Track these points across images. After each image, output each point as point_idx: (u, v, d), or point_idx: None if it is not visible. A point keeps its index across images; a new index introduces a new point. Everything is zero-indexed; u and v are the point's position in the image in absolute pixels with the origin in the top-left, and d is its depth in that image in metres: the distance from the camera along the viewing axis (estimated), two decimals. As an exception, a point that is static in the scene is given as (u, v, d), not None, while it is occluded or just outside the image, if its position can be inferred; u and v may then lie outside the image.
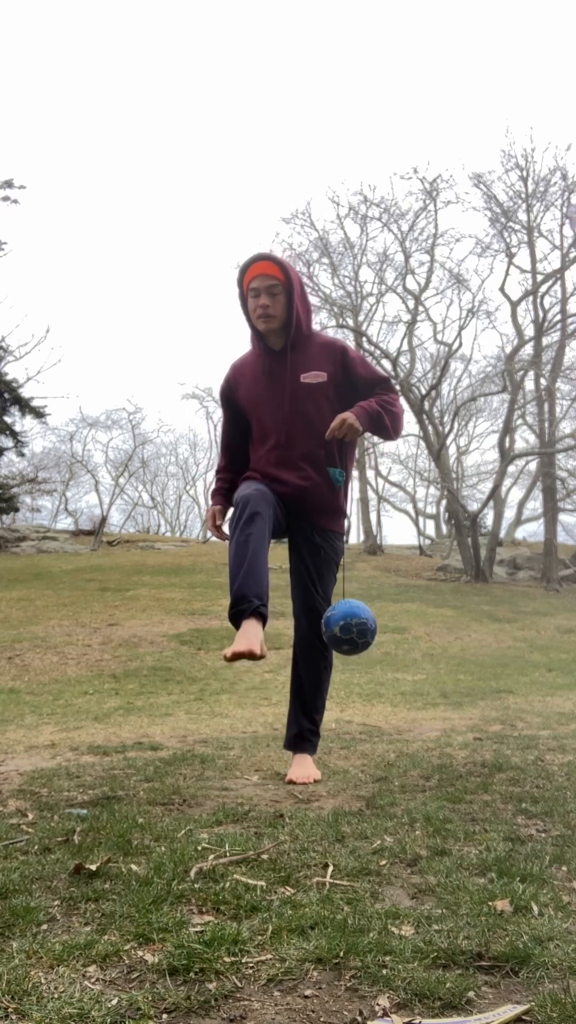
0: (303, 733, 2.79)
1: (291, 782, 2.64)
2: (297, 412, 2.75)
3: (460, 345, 21.04)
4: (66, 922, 1.39)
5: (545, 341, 18.89)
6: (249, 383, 2.86)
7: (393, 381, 3.15)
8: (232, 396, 2.92)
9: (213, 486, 3.03)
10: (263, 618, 2.46)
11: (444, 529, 29.88)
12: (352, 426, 2.62)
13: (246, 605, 2.43)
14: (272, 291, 2.71)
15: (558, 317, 18.73)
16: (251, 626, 2.41)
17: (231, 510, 2.73)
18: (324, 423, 2.71)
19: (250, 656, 2.33)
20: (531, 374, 19.47)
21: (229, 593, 2.53)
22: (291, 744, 2.83)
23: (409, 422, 31.40)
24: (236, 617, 2.46)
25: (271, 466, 2.78)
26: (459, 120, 55.26)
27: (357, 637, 2.45)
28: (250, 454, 2.91)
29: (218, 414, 25.37)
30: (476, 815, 2.14)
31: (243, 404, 2.87)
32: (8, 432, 16.10)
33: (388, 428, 2.75)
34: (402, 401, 3.07)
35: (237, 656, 2.33)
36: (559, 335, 18.90)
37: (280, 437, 2.77)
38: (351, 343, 21.15)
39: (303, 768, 2.72)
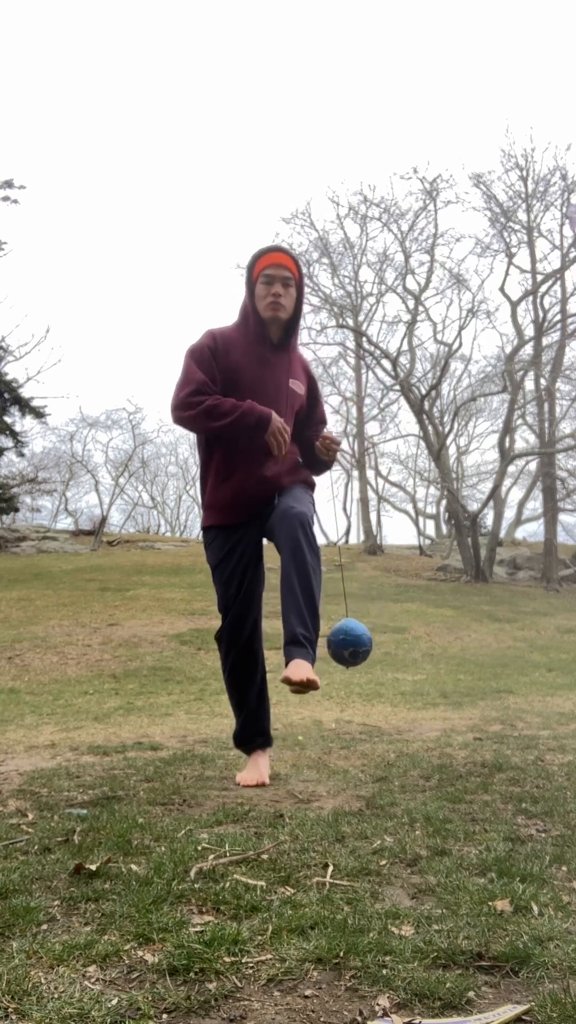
0: (296, 638, 2.47)
1: (287, 680, 2.37)
2: (285, 411, 2.75)
3: (460, 345, 21.09)
4: (66, 922, 1.39)
5: (545, 341, 18.89)
6: (241, 359, 2.73)
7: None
8: (220, 359, 2.73)
9: (210, 402, 2.66)
10: (268, 745, 2.83)
11: (444, 529, 29.88)
12: (338, 442, 2.82)
13: (249, 746, 2.80)
14: (287, 283, 2.73)
15: (558, 317, 18.73)
16: (260, 758, 2.77)
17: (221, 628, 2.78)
18: (294, 431, 2.83)
19: (259, 786, 2.65)
20: (531, 374, 19.47)
21: (234, 717, 2.85)
22: (286, 651, 2.48)
23: (409, 422, 31.41)
24: (243, 747, 2.83)
25: (247, 470, 2.70)
26: (459, 120, 55.29)
27: (350, 659, 2.75)
28: (218, 448, 2.75)
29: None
30: (476, 815, 2.14)
31: (229, 375, 2.71)
32: (8, 432, 16.10)
33: (328, 469, 2.96)
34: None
35: (248, 786, 2.65)
36: (559, 335, 18.90)
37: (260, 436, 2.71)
38: (351, 343, 21.19)
39: (300, 669, 2.39)
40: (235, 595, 2.73)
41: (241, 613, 2.73)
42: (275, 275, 2.71)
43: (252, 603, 2.77)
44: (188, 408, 2.67)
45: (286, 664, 2.45)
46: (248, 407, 2.64)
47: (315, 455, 2.86)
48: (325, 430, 2.86)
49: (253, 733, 2.78)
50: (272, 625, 2.75)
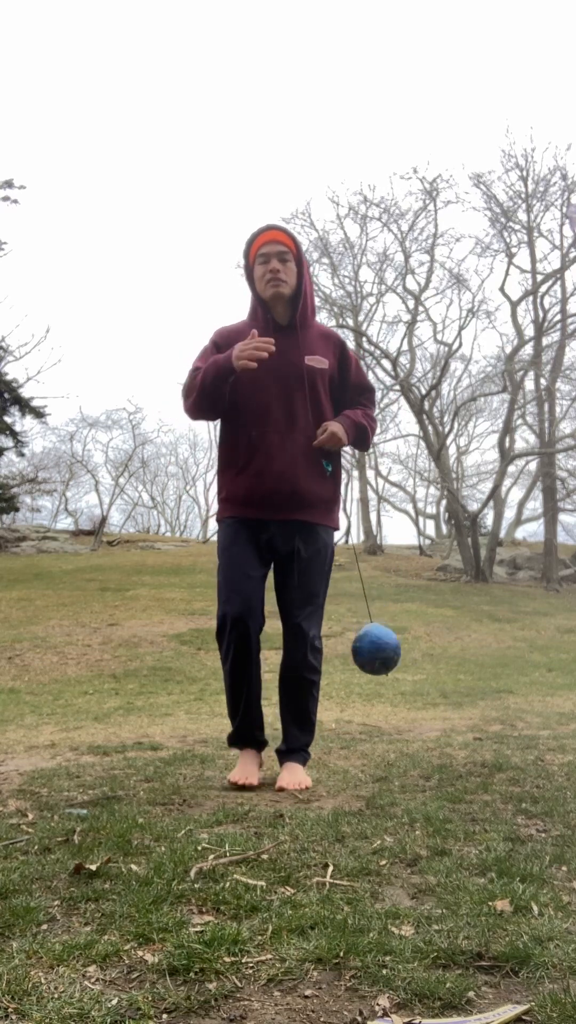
0: (292, 747, 2.73)
1: (281, 789, 2.55)
2: (302, 392, 2.63)
3: (460, 345, 21.06)
4: (66, 922, 1.39)
5: (545, 341, 18.89)
6: None
7: (377, 393, 3.21)
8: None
9: (189, 379, 2.66)
10: (261, 746, 2.77)
11: (444, 529, 29.87)
12: (338, 438, 2.64)
13: (242, 745, 2.74)
14: (283, 257, 2.63)
15: (558, 317, 18.74)
16: (252, 757, 2.71)
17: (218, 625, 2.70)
18: (322, 410, 2.68)
19: (248, 788, 2.57)
20: (531, 374, 19.47)
21: (228, 715, 2.78)
22: (281, 756, 2.75)
23: (409, 422, 31.40)
24: (236, 745, 2.77)
25: (266, 461, 2.61)
26: (459, 120, 55.28)
27: (380, 668, 2.78)
28: (230, 437, 2.71)
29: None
30: (476, 815, 2.14)
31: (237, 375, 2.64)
32: (8, 432, 16.09)
33: (367, 442, 2.80)
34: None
35: (237, 786, 2.58)
36: (559, 335, 18.91)
37: (281, 417, 2.62)
38: (351, 343, 21.19)
39: (293, 775, 2.62)
40: (241, 582, 2.62)
41: (246, 603, 2.61)
42: (271, 252, 2.63)
43: (257, 594, 2.65)
44: (183, 397, 2.71)
45: (280, 763, 2.73)
46: (209, 363, 2.61)
47: (358, 439, 2.74)
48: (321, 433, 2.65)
49: (247, 734, 2.72)
50: (272, 625, 2.75)
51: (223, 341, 2.69)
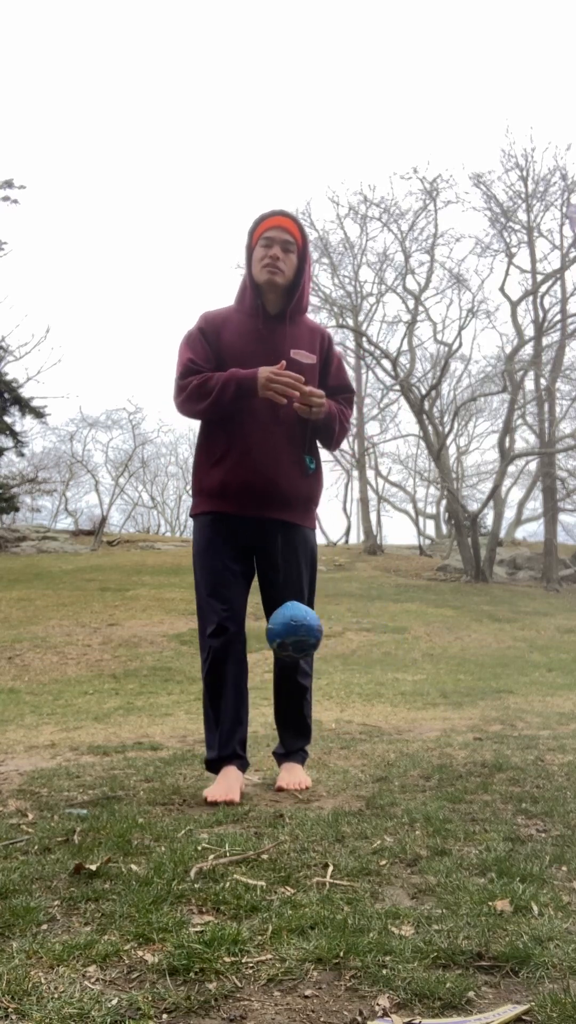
0: (289, 750, 2.68)
1: (280, 789, 2.52)
2: None
3: (460, 345, 21.04)
4: (66, 922, 1.39)
5: (545, 341, 18.89)
6: (235, 338, 2.58)
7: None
8: (212, 339, 2.59)
9: (196, 381, 2.51)
10: (244, 766, 2.56)
11: (444, 529, 29.87)
12: (322, 403, 2.50)
13: (222, 763, 2.50)
14: (287, 247, 2.56)
15: (558, 317, 18.73)
16: (231, 772, 2.48)
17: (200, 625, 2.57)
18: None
19: (228, 803, 2.34)
20: (531, 374, 19.47)
21: (205, 733, 2.59)
22: (279, 757, 2.71)
23: (409, 422, 31.39)
24: (214, 766, 2.53)
25: (246, 452, 2.50)
26: (459, 120, 55.30)
27: (294, 652, 2.43)
28: (210, 429, 2.59)
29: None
30: (476, 815, 2.14)
31: (222, 354, 2.56)
32: (8, 432, 16.09)
33: (334, 438, 2.65)
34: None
35: (215, 803, 2.34)
36: (559, 335, 18.90)
37: (263, 410, 2.50)
38: (351, 343, 21.18)
39: (292, 775, 2.59)
40: (223, 587, 2.52)
41: (229, 607, 2.52)
42: (275, 237, 2.55)
43: (241, 599, 2.57)
44: (179, 394, 2.55)
45: (279, 764, 2.68)
46: (228, 376, 2.47)
47: (317, 428, 2.60)
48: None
49: (228, 753, 2.49)
50: (252, 626, 2.73)
51: (209, 327, 2.59)
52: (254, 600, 2.68)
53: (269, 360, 2.50)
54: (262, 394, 2.44)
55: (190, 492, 2.70)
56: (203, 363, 2.55)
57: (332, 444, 2.69)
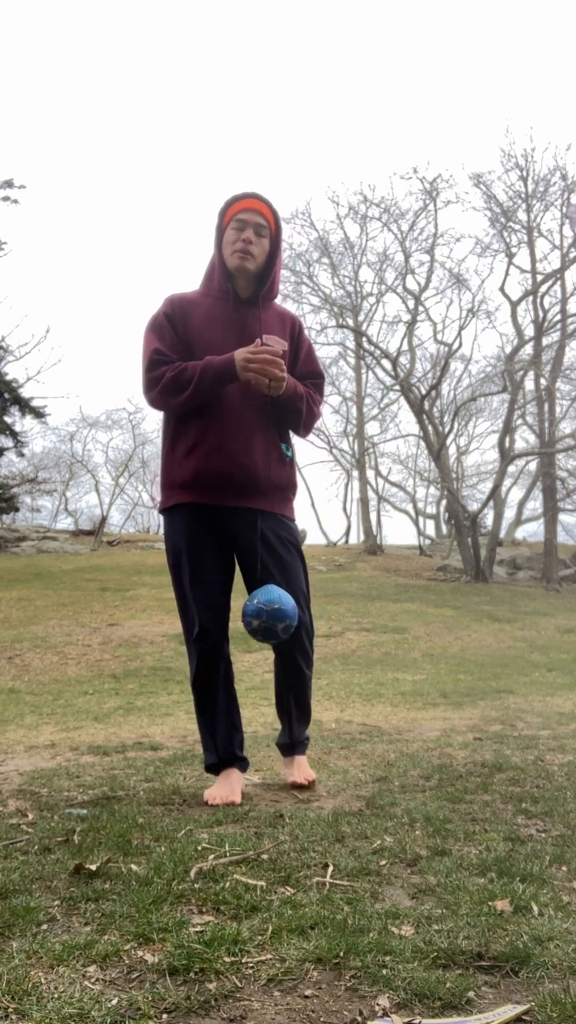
0: (293, 740, 2.65)
1: (295, 784, 2.52)
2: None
3: (460, 345, 21.08)
4: (66, 922, 1.39)
5: (545, 341, 18.89)
6: (204, 324, 2.49)
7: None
8: (179, 325, 2.49)
9: (169, 375, 2.41)
10: (244, 766, 2.54)
11: (444, 529, 29.86)
12: (281, 381, 2.38)
13: (223, 766, 2.47)
14: (259, 231, 2.48)
15: (558, 317, 18.74)
16: (232, 774, 2.46)
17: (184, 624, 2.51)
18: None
19: (230, 804, 2.32)
20: (531, 374, 19.48)
21: (201, 738, 2.56)
22: (286, 750, 2.67)
23: (409, 422, 31.39)
24: (215, 770, 2.50)
25: (219, 439, 2.42)
26: (459, 120, 55.27)
27: (263, 639, 2.37)
28: (178, 417, 2.49)
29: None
30: (476, 815, 2.14)
31: (189, 341, 2.47)
32: (8, 432, 16.08)
33: (301, 418, 2.54)
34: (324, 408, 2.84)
35: (216, 805, 2.32)
36: (559, 335, 18.91)
37: (236, 395, 2.43)
38: (351, 343, 21.19)
39: (302, 769, 2.59)
40: (205, 587, 2.45)
41: (212, 606, 2.45)
42: (248, 220, 2.46)
43: (223, 594, 2.50)
44: (151, 387, 2.44)
45: (284, 757, 2.66)
46: (204, 365, 2.37)
47: (283, 409, 2.49)
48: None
49: (228, 756, 2.47)
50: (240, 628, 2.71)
51: (175, 312, 2.50)
52: (241, 600, 2.66)
53: (241, 347, 2.41)
54: (242, 377, 2.36)
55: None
56: (170, 352, 2.45)
57: (301, 427, 2.58)
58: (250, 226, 2.47)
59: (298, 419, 2.55)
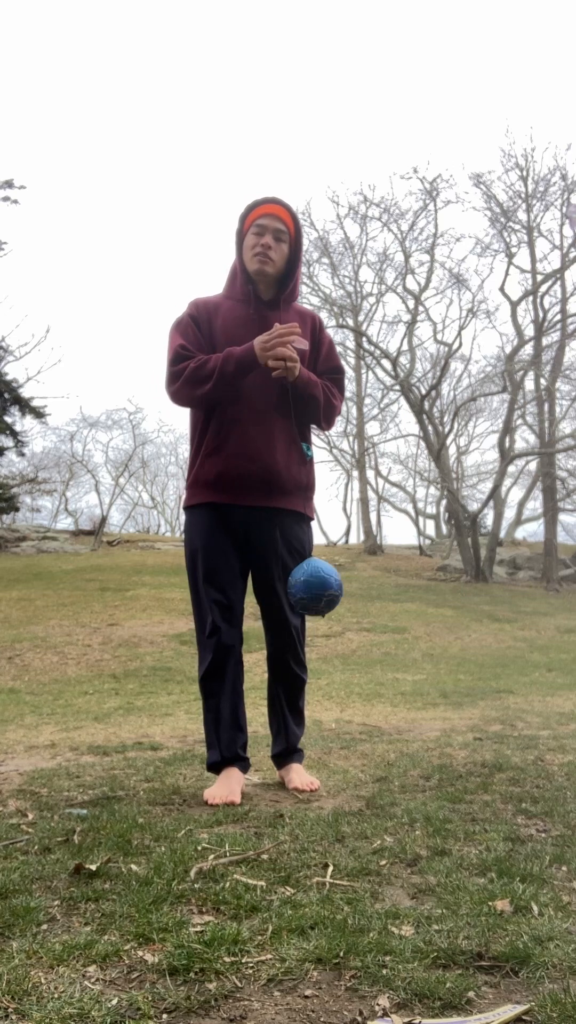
0: (289, 748, 2.65)
1: (297, 790, 2.51)
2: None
3: (460, 345, 21.04)
4: (66, 922, 1.39)
5: (545, 341, 18.89)
6: (228, 325, 2.54)
7: (346, 378, 2.96)
8: (203, 326, 2.55)
9: (192, 366, 2.46)
10: (245, 767, 2.54)
11: (444, 529, 29.85)
12: (295, 362, 2.42)
13: (224, 765, 2.48)
14: (279, 236, 2.54)
15: (558, 317, 18.73)
16: (232, 773, 2.46)
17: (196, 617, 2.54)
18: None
19: (230, 804, 2.33)
20: (531, 374, 19.47)
21: (206, 735, 2.56)
22: (280, 759, 2.66)
23: (409, 422, 31.39)
24: (216, 768, 2.51)
25: (242, 440, 2.47)
26: (459, 120, 55.29)
27: (325, 608, 2.38)
28: (203, 418, 2.55)
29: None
30: (476, 815, 2.14)
31: (213, 343, 2.52)
32: (8, 432, 16.08)
33: (319, 407, 2.56)
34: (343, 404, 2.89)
35: (216, 805, 2.32)
36: (559, 335, 18.91)
37: (258, 396, 2.48)
38: (351, 343, 21.19)
39: (302, 776, 2.58)
40: (222, 584, 2.49)
41: (228, 604, 2.49)
42: (268, 225, 2.53)
43: (239, 593, 2.53)
44: (174, 380, 2.49)
45: (279, 768, 2.65)
46: (225, 355, 2.42)
47: (301, 400, 2.52)
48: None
49: (230, 755, 2.48)
50: (254, 627, 2.72)
51: (200, 314, 2.57)
52: (253, 599, 2.67)
53: None
54: (262, 361, 2.40)
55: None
56: (195, 349, 2.51)
57: (320, 418, 2.60)
58: (269, 231, 2.54)
59: (316, 408, 2.57)
